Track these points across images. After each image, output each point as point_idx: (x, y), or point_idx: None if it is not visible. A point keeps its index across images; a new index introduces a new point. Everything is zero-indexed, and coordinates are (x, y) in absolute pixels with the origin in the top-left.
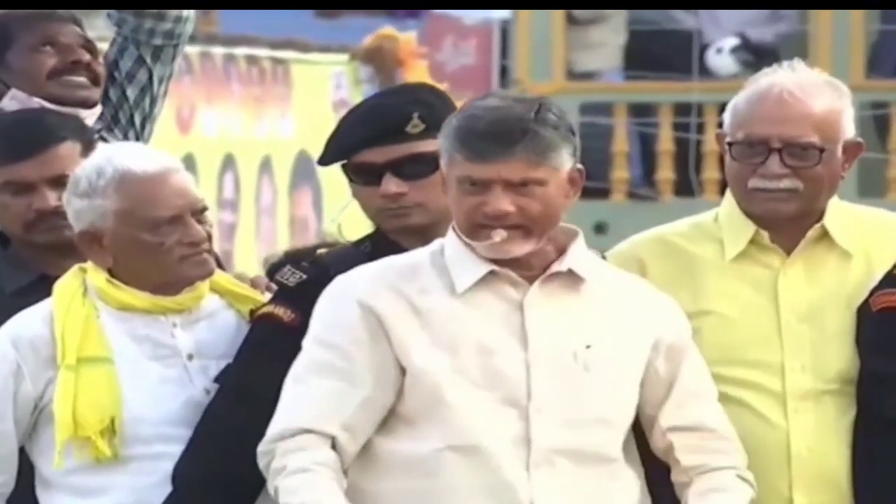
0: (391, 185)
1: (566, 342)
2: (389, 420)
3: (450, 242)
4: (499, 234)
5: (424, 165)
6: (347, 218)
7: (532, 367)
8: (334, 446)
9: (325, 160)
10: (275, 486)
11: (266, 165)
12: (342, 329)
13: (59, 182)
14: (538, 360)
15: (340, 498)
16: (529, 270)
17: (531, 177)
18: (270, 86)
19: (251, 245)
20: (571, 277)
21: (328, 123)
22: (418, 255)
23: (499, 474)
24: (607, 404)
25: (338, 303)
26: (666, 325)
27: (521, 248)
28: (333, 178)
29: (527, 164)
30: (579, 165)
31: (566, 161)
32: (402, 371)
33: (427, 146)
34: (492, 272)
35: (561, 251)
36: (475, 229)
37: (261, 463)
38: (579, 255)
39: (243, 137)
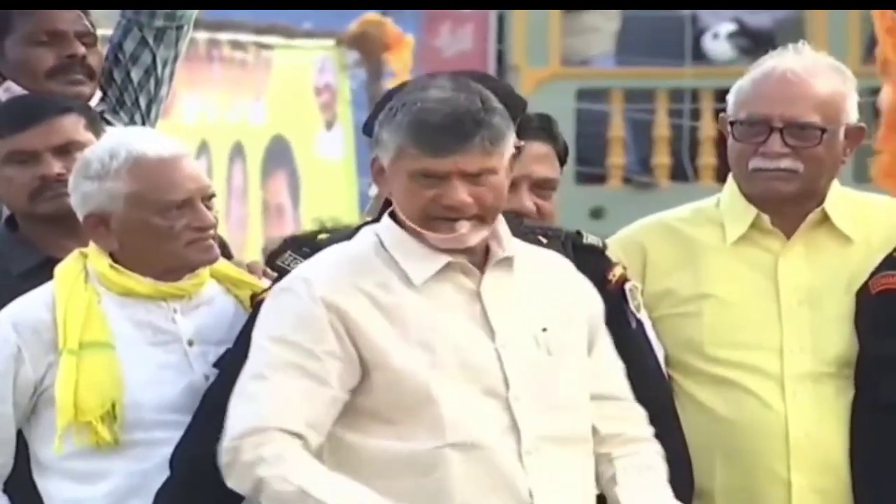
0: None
1: (525, 327)
2: (358, 418)
3: (389, 233)
4: (464, 226)
5: None
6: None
7: (503, 355)
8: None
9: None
10: (255, 476)
11: (237, 151)
12: (307, 327)
13: (63, 150)
14: (506, 348)
15: (336, 476)
16: (473, 256)
17: (486, 166)
18: (251, 71)
19: (222, 231)
20: (507, 261)
21: (308, 109)
22: (360, 247)
23: (498, 467)
24: (574, 385)
25: (299, 300)
26: (588, 300)
27: (479, 237)
28: (310, 164)
29: (482, 154)
30: (514, 149)
31: (510, 147)
32: (364, 368)
33: None
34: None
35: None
36: (432, 221)
37: (224, 459)
38: (508, 237)
39: (217, 123)
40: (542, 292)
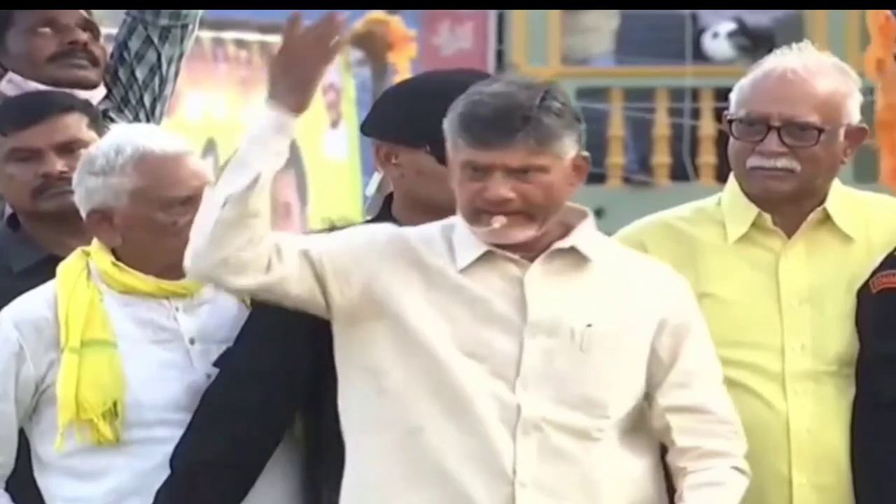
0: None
1: (565, 320)
2: (356, 370)
3: (460, 222)
4: (498, 221)
5: None
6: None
7: (525, 342)
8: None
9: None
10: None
11: None
12: (355, 242)
13: (65, 148)
14: (533, 336)
15: None
16: (531, 251)
17: (532, 163)
18: (258, 70)
19: None
20: (577, 257)
21: (314, 108)
22: (432, 228)
23: (485, 439)
24: (599, 385)
25: (371, 230)
26: (672, 305)
27: (523, 234)
28: (317, 163)
29: (527, 151)
30: (584, 153)
31: (570, 148)
32: (372, 312)
33: None
34: (489, 252)
35: (566, 231)
36: (476, 214)
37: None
38: (586, 235)
39: (225, 121)
40: (608, 292)
